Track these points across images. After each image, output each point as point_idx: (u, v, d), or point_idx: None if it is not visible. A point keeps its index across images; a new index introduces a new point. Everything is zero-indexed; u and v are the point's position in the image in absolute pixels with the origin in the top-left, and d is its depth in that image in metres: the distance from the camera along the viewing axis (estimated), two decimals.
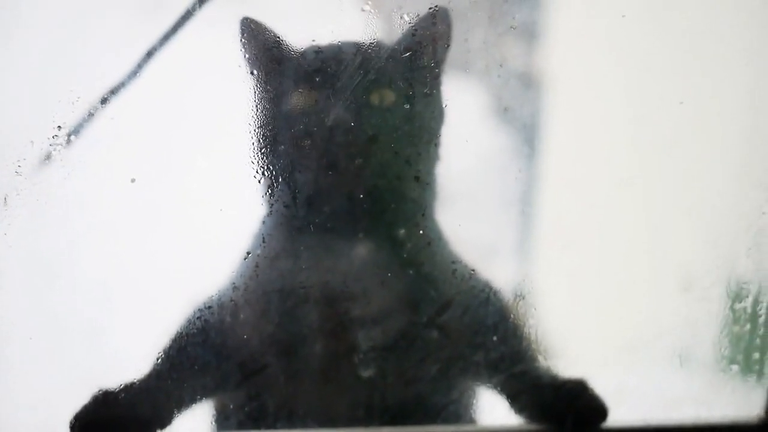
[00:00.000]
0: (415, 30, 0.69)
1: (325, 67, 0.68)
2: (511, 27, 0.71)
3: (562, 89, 0.75)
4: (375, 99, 0.68)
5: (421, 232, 0.72)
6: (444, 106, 0.71)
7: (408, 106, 0.70)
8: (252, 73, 0.69)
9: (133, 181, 0.66)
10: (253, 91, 0.68)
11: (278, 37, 0.69)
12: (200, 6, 0.68)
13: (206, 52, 0.68)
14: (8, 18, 0.66)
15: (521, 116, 0.74)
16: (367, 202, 0.70)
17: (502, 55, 0.71)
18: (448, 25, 0.69)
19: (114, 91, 0.66)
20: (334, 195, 0.70)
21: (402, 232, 0.73)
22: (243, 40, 0.68)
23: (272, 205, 0.70)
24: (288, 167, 0.68)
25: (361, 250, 0.72)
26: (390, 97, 0.69)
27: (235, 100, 0.68)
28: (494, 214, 0.77)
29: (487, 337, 0.74)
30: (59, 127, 0.65)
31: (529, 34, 0.73)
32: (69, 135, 0.65)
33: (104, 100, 0.66)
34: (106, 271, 0.71)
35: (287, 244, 0.70)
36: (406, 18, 0.67)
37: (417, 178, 0.71)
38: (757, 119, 0.77)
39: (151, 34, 0.68)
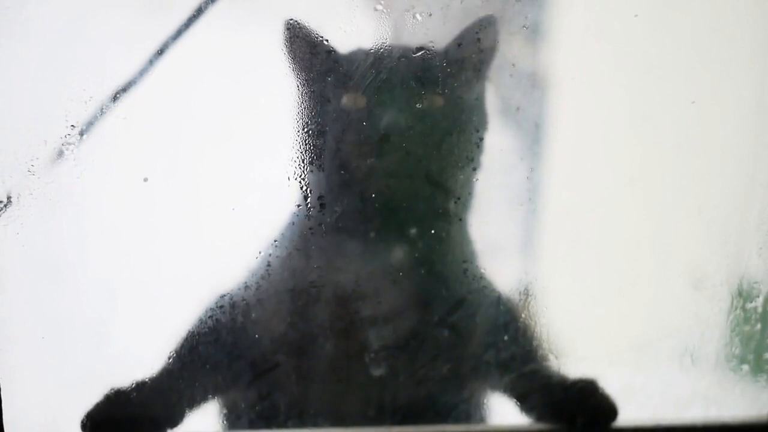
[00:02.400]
0: (463, 36, 0.69)
1: (370, 71, 0.68)
2: (524, 26, 0.71)
3: (573, 89, 0.75)
4: (424, 104, 0.69)
5: (449, 234, 0.73)
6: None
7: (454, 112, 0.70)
8: (298, 76, 0.68)
9: (145, 180, 0.66)
10: (266, 90, 0.69)
11: (324, 40, 0.68)
12: (212, 3, 0.68)
13: (218, 50, 0.68)
14: (19, 17, 0.66)
15: (533, 115, 0.74)
16: (381, 201, 0.71)
17: (515, 54, 0.71)
18: (496, 31, 0.70)
19: (126, 90, 0.66)
20: (348, 194, 0.70)
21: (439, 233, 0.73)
22: (287, 42, 0.68)
23: (285, 204, 0.70)
24: (302, 166, 0.68)
25: (377, 251, 0.72)
26: (439, 101, 0.69)
27: (247, 99, 0.68)
28: (506, 213, 0.77)
29: (498, 336, 0.75)
30: (72, 126, 0.65)
31: (541, 33, 0.73)
32: (81, 134, 0.65)
33: (116, 99, 0.66)
34: (118, 270, 0.71)
35: (300, 244, 0.70)
36: (419, 17, 0.67)
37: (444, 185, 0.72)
38: (765, 116, 0.77)
39: (162, 32, 0.67)
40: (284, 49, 0.68)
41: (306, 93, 0.69)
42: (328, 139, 0.68)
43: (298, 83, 0.68)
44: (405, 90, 0.68)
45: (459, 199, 0.72)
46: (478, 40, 0.69)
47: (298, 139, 0.68)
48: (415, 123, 0.69)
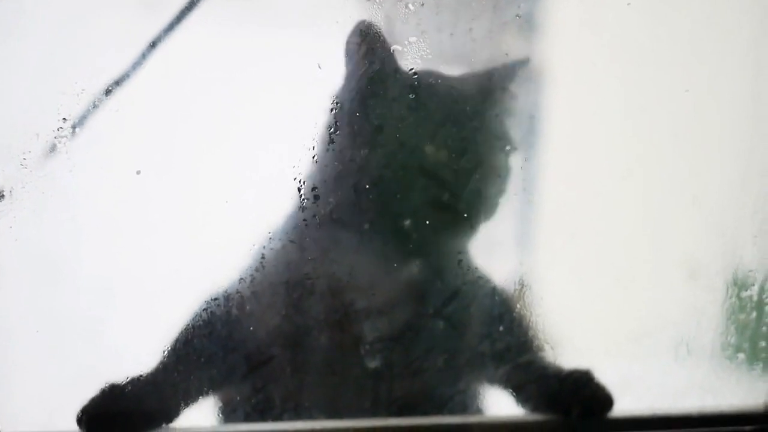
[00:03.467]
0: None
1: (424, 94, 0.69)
2: (517, 15, 0.71)
3: (566, 78, 0.75)
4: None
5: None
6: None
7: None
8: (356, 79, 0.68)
9: (138, 173, 0.66)
10: (259, 83, 0.68)
11: (391, 49, 0.68)
12: None
13: (210, 43, 0.68)
14: (12, 10, 0.66)
15: (527, 106, 0.74)
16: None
17: (508, 44, 0.71)
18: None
19: (119, 83, 0.66)
20: (342, 186, 0.70)
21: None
22: (357, 43, 0.67)
23: (279, 196, 0.70)
24: (294, 158, 0.68)
25: (372, 242, 0.72)
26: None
27: (240, 91, 0.68)
28: (500, 204, 0.77)
29: (493, 327, 0.75)
30: (64, 119, 0.64)
31: (534, 23, 0.73)
32: (74, 127, 0.65)
33: (109, 92, 0.66)
34: (112, 264, 0.70)
35: (294, 236, 0.70)
36: (411, 7, 0.67)
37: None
38: (761, 105, 0.77)
39: (155, 25, 0.67)
40: (350, 49, 0.67)
41: (299, 84, 0.68)
42: (321, 130, 0.68)
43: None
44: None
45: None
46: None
47: (291, 131, 0.68)
48: (408, 115, 0.69)
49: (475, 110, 0.71)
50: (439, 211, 0.71)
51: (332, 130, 0.69)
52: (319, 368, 0.73)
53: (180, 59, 0.67)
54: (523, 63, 0.72)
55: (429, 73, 0.70)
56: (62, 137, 0.65)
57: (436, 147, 0.69)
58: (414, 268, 0.73)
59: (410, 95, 0.69)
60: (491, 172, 0.71)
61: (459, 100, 0.70)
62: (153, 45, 0.67)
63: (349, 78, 0.68)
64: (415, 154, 0.69)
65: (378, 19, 0.67)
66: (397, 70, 0.68)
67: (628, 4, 0.71)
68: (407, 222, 0.71)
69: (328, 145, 0.69)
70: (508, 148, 0.72)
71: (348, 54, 0.68)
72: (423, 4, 0.67)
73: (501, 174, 0.72)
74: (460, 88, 0.70)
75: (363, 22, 0.67)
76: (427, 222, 0.71)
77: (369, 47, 0.67)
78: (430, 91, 0.69)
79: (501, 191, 0.72)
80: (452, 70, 0.72)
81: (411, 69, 0.68)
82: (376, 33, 0.67)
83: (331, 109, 0.68)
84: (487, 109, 0.71)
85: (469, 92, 0.70)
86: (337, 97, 0.69)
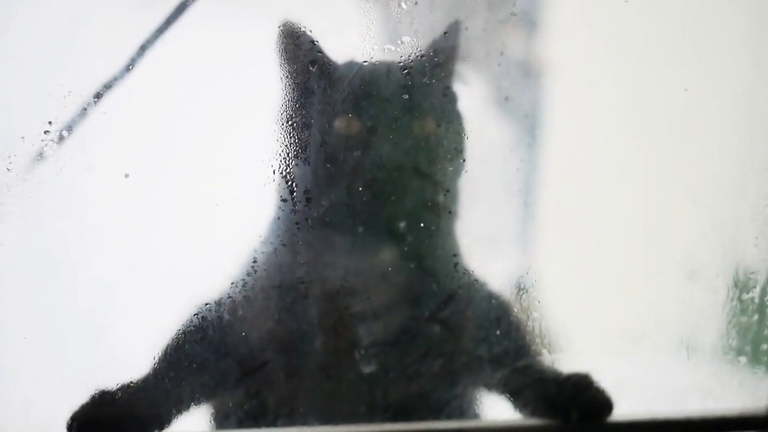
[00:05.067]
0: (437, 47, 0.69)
1: (364, 86, 0.68)
2: (512, 14, 0.70)
3: (563, 77, 0.74)
4: (416, 128, 0.69)
5: (439, 227, 0.72)
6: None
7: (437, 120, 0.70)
8: (292, 80, 0.68)
9: (126, 176, 0.65)
10: (249, 84, 0.68)
11: (318, 47, 0.68)
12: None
13: (200, 45, 0.67)
14: None
15: (522, 105, 0.73)
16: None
17: (503, 42, 0.70)
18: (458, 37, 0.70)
19: (107, 86, 0.65)
20: (335, 188, 0.69)
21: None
22: (281, 45, 0.68)
23: (271, 199, 0.69)
24: (287, 160, 0.67)
25: (366, 245, 0.71)
26: (431, 125, 0.69)
27: (230, 92, 0.67)
28: (496, 205, 0.76)
29: (490, 331, 0.74)
30: (50, 122, 0.63)
31: (530, 21, 0.72)
32: (61, 130, 0.64)
33: (97, 95, 0.65)
34: (102, 268, 0.70)
35: (286, 239, 0.69)
36: (404, 6, 0.66)
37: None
38: (761, 104, 0.77)
39: (144, 28, 0.66)
40: (277, 51, 0.67)
41: (290, 86, 0.68)
42: (313, 132, 0.68)
43: (282, 76, 0.68)
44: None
45: (448, 191, 0.71)
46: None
47: (283, 133, 0.67)
48: (402, 115, 0.68)
49: (428, 89, 0.70)
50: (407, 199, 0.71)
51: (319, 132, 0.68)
52: (314, 373, 0.72)
53: (169, 61, 0.67)
54: (454, 26, 0.70)
55: (382, 63, 0.69)
56: (49, 141, 0.64)
57: (390, 132, 0.69)
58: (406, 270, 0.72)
59: (361, 86, 0.68)
60: (454, 155, 0.71)
61: (410, 83, 0.69)
62: (142, 48, 0.66)
63: (287, 81, 0.68)
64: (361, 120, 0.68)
65: (371, 17, 0.66)
66: (328, 62, 0.68)
67: (626, 0, 0.70)
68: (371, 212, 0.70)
69: (320, 146, 0.68)
70: (466, 128, 0.71)
71: (283, 59, 0.68)
72: (417, 3, 0.66)
73: (462, 157, 0.71)
74: (413, 71, 0.69)
75: (284, 23, 0.67)
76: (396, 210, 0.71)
77: (293, 46, 0.67)
78: (378, 79, 0.68)
79: (460, 172, 0.72)
80: None
81: (364, 61, 0.68)
82: (298, 32, 0.67)
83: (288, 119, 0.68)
84: (440, 86, 0.71)
85: (420, 72, 0.69)
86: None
